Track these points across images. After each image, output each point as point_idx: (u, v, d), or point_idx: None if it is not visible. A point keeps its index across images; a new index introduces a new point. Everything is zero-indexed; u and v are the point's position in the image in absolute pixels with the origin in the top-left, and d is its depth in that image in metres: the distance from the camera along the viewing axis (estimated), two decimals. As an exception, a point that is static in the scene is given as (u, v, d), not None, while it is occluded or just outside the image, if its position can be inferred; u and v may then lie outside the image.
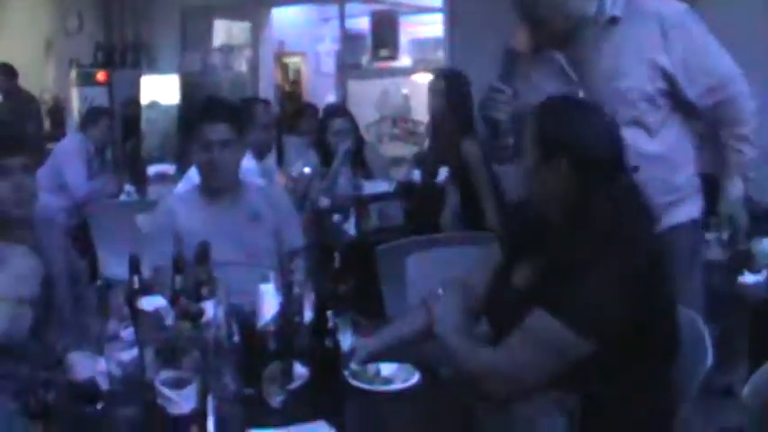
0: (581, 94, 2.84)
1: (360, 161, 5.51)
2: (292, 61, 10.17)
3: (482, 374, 2.24)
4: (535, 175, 2.29)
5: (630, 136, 2.54)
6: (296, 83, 10.34)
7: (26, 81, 9.57)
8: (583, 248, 2.17)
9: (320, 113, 6.91)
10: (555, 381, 2.11)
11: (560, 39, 2.92)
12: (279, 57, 9.85)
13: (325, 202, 5.08)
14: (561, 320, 2.11)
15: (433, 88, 5.02)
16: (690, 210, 2.99)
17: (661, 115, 2.89)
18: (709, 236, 3.57)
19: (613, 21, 2.85)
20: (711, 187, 3.05)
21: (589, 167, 2.20)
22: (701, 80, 2.86)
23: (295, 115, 7.67)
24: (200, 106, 3.69)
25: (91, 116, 6.84)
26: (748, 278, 3.52)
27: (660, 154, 2.87)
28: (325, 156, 5.43)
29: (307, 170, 5.17)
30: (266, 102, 5.34)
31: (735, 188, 3.00)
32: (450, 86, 4.86)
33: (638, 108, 2.84)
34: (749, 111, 2.92)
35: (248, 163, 3.77)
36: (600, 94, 2.79)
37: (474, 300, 2.51)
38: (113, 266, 5.08)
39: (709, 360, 2.30)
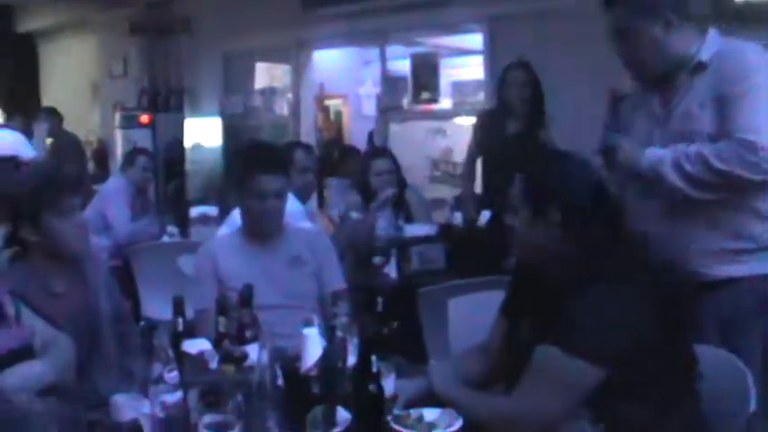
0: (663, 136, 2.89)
1: (402, 203, 5.50)
2: (333, 104, 10.23)
3: (501, 422, 2.28)
4: (527, 229, 2.39)
5: None
6: (337, 125, 10.39)
7: (72, 124, 9.75)
8: (576, 285, 2.23)
9: (361, 155, 6.93)
10: (577, 412, 2.14)
11: (658, 81, 2.95)
12: (320, 99, 9.91)
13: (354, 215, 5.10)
14: (567, 351, 2.16)
15: None
16: (761, 264, 2.83)
17: None
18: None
19: (700, 66, 2.85)
20: None
21: (570, 217, 2.30)
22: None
23: (337, 158, 7.69)
24: (255, 155, 3.69)
25: (129, 157, 6.91)
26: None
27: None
28: (368, 197, 5.44)
29: (354, 215, 5.16)
30: (307, 146, 5.37)
31: (645, 159, 2.89)
32: None
33: None
34: (711, 165, 2.73)
35: (293, 205, 3.79)
36: (676, 135, 2.84)
37: (490, 361, 2.62)
38: (156, 308, 5.10)
39: (752, 406, 2.27)
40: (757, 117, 2.70)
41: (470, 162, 5.95)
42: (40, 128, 9.15)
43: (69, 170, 3.46)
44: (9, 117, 8.21)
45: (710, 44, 2.86)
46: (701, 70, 2.85)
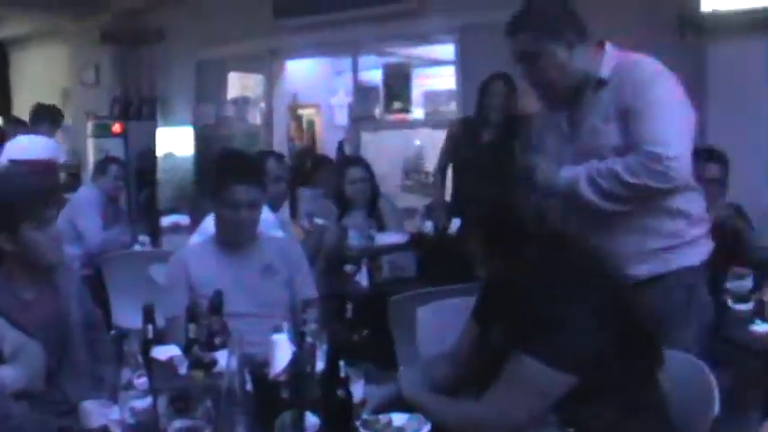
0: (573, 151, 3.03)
1: (375, 212, 5.54)
2: (306, 113, 10.24)
3: (469, 427, 2.30)
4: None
5: None
6: (309, 134, 10.40)
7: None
8: (533, 298, 2.29)
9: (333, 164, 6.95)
10: (545, 417, 2.18)
11: (565, 99, 3.08)
12: (292, 109, 9.92)
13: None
14: (540, 360, 2.20)
15: None
16: (685, 258, 2.99)
17: None
18: (731, 284, 3.60)
19: (601, 83, 2.98)
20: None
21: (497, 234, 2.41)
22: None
23: (309, 168, 7.70)
24: (229, 164, 3.68)
25: (101, 166, 6.87)
26: (760, 327, 3.50)
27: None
28: (342, 206, 5.48)
29: (319, 221, 5.19)
30: (280, 155, 5.38)
31: (561, 177, 2.99)
32: None
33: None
34: (623, 180, 2.84)
35: (265, 214, 3.79)
36: (584, 150, 2.98)
37: (459, 367, 2.67)
38: (127, 316, 5.09)
39: (716, 409, 2.32)
40: (660, 128, 2.82)
41: (442, 169, 6.01)
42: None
43: (47, 181, 3.45)
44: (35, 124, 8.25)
45: (609, 60, 3.00)
46: (602, 86, 2.98)
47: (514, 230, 2.39)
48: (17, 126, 9.05)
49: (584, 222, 2.90)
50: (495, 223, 2.42)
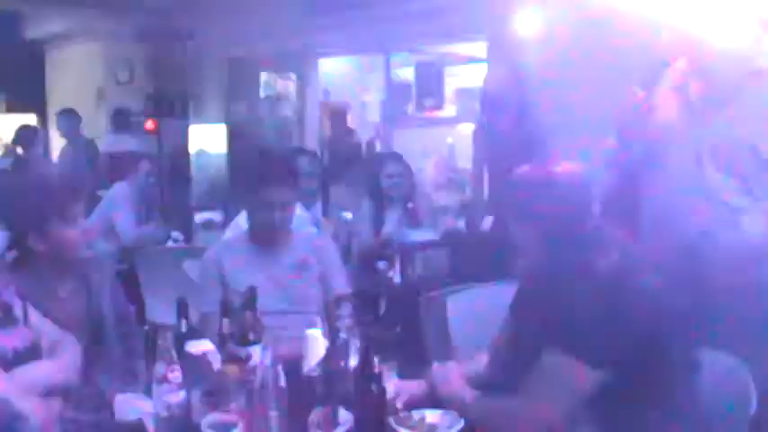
0: None
1: (412, 208, 5.54)
2: (338, 111, 10.27)
3: (502, 424, 2.28)
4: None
5: None
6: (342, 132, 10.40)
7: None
8: (570, 295, 2.26)
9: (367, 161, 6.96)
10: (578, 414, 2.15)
11: None
12: (324, 106, 9.94)
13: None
14: (572, 355, 2.19)
15: None
16: None
17: None
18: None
19: None
20: None
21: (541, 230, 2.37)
22: None
23: (342, 165, 7.72)
24: (263, 165, 3.67)
25: (131, 162, 6.93)
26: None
27: None
28: (379, 201, 5.48)
29: (348, 215, 5.20)
30: (312, 152, 5.39)
31: None
32: None
33: None
34: None
35: (299, 212, 3.79)
36: None
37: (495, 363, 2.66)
38: (161, 313, 5.11)
39: (753, 407, 2.30)
40: None
41: (477, 166, 5.97)
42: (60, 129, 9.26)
43: (75, 178, 3.48)
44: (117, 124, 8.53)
45: None
46: None
47: (566, 224, 2.35)
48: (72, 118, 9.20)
49: None
50: (552, 216, 2.37)
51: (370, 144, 9.15)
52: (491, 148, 5.40)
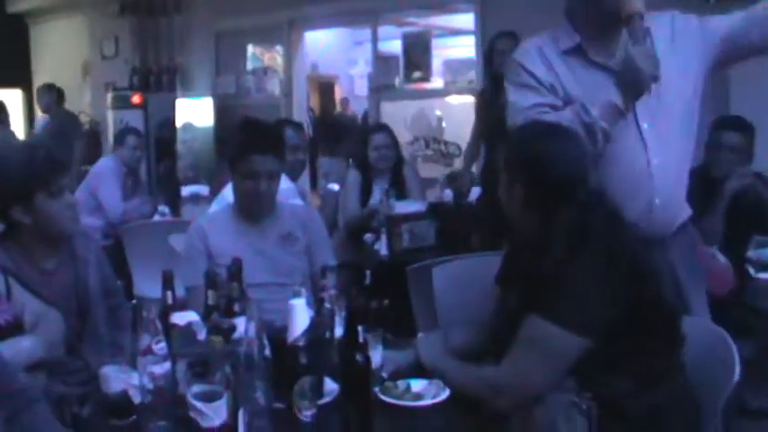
0: None
1: (399, 180, 5.54)
2: (325, 83, 10.24)
3: (487, 392, 2.28)
4: (505, 198, 2.46)
5: None
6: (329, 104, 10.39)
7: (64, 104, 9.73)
8: (556, 257, 2.25)
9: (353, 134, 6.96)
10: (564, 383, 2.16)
11: None
12: (312, 79, 9.90)
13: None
14: (554, 322, 2.19)
15: None
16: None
17: None
18: (753, 253, 3.55)
19: None
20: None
21: (543, 189, 2.35)
22: None
23: (330, 137, 7.71)
24: (248, 134, 3.63)
25: (119, 136, 6.91)
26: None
27: None
28: (366, 172, 5.48)
29: (335, 187, 5.20)
30: (298, 124, 5.37)
31: None
32: None
33: None
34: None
35: (284, 183, 3.78)
36: None
37: (481, 332, 2.68)
38: (147, 286, 5.12)
39: (736, 376, 2.30)
40: None
41: (474, 141, 5.98)
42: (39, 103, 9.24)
43: (60, 150, 3.46)
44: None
45: None
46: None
47: (559, 185, 2.34)
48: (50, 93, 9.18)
49: None
50: (541, 177, 2.36)
51: (365, 117, 9.11)
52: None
